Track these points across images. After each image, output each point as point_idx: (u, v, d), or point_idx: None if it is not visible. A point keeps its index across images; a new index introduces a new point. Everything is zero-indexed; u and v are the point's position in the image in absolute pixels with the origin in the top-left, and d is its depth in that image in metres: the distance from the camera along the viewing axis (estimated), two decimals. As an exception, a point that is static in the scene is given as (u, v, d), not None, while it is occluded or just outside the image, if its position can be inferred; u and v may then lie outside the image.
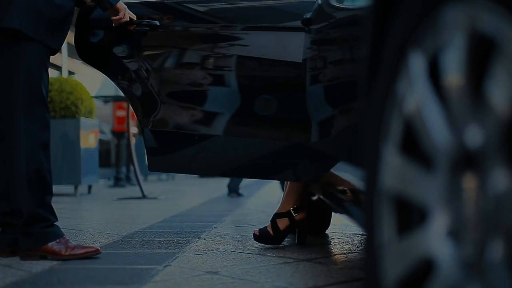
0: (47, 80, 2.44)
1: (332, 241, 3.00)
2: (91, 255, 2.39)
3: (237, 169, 2.79)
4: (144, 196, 6.34)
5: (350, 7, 1.85)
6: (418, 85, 0.79)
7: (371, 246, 0.91)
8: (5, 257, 2.41)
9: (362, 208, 1.32)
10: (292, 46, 2.55)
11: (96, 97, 7.02)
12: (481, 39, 0.68)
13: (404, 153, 0.84)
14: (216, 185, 9.98)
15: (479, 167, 0.69)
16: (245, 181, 10.25)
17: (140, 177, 6.71)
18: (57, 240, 2.39)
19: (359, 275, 2.04)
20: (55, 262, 2.31)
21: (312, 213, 3.00)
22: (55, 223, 2.45)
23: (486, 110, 0.66)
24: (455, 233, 0.74)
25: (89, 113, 6.96)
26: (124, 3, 2.69)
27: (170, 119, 2.75)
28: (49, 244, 2.37)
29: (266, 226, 2.76)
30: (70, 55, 9.99)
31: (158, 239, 2.96)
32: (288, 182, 2.79)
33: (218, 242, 2.87)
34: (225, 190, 7.15)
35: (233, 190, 6.52)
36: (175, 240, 2.94)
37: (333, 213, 3.20)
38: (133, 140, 7.19)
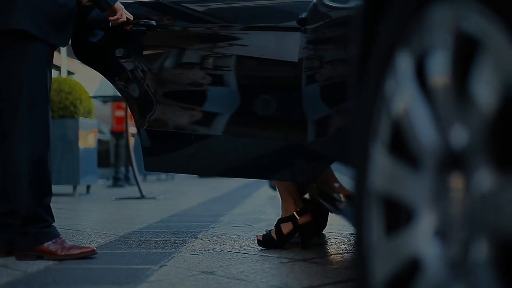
0: (50, 78, 2.45)
1: (328, 241, 3.00)
2: (87, 255, 2.39)
3: (234, 169, 2.78)
4: (142, 196, 6.34)
5: (343, 6, 1.85)
6: (406, 85, 0.79)
7: (360, 246, 0.91)
8: (1, 257, 2.41)
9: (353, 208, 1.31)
10: (288, 46, 2.55)
11: (94, 97, 7.02)
12: (467, 39, 0.68)
13: (393, 153, 0.84)
14: (216, 185, 9.98)
15: (464, 167, 0.69)
16: (245, 181, 10.26)
17: (139, 177, 6.71)
18: (53, 240, 2.39)
19: (354, 275, 2.04)
20: (51, 262, 2.31)
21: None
22: (52, 224, 2.46)
23: (470, 110, 0.66)
24: (441, 233, 0.74)
25: (87, 113, 6.96)
26: (120, 2, 2.69)
27: (166, 119, 2.75)
28: (45, 244, 2.37)
29: (270, 231, 2.74)
30: (69, 55, 9.99)
31: (155, 239, 2.96)
32: (280, 189, 2.77)
33: (214, 242, 2.87)
34: (225, 190, 7.15)
35: None
36: (172, 240, 2.94)
37: (330, 213, 3.20)
38: (132, 140, 7.19)
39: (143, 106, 2.78)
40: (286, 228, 2.70)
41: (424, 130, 0.76)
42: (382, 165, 0.86)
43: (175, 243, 2.83)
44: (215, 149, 2.72)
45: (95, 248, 2.43)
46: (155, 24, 2.76)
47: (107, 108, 10.32)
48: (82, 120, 6.69)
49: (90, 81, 9.25)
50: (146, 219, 4.06)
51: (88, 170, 6.88)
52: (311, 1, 2.45)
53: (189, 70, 2.77)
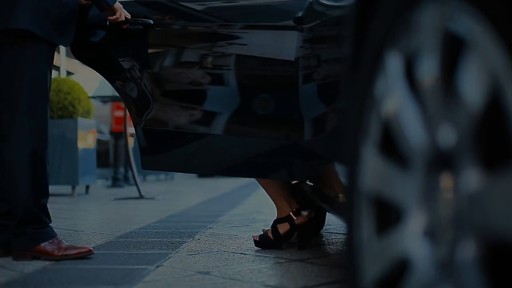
0: (50, 78, 2.45)
1: (326, 241, 3.00)
2: (83, 255, 2.39)
3: (230, 167, 2.78)
4: (141, 196, 6.34)
5: (339, 4, 1.84)
6: (395, 85, 0.79)
7: (351, 246, 0.91)
8: (-2, 257, 2.41)
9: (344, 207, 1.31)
10: (284, 45, 2.54)
11: (93, 97, 7.02)
12: (454, 39, 0.68)
13: (383, 153, 0.84)
14: (215, 185, 9.98)
15: (453, 167, 0.69)
16: (245, 181, 10.25)
17: (138, 177, 6.70)
18: (50, 241, 2.39)
19: (344, 275, 2.03)
20: (47, 263, 2.31)
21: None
22: (49, 224, 2.45)
23: (457, 110, 0.66)
24: (430, 233, 0.74)
25: (86, 113, 6.96)
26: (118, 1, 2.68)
27: (162, 117, 2.75)
28: (42, 244, 2.37)
29: (267, 232, 2.74)
30: (68, 55, 9.99)
31: (152, 239, 2.96)
32: (268, 191, 2.76)
33: (211, 243, 2.86)
34: (224, 190, 7.14)
35: None
36: (169, 240, 2.94)
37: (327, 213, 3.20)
38: (131, 141, 7.19)
39: (140, 105, 2.78)
40: (283, 228, 2.70)
41: (413, 130, 0.76)
42: (372, 165, 0.85)
43: (172, 243, 2.83)
44: (211, 148, 2.72)
45: (91, 249, 2.43)
46: (152, 23, 2.76)
47: (106, 108, 10.31)
48: (81, 120, 6.68)
49: (89, 81, 9.25)
50: (144, 219, 4.06)
51: (87, 170, 6.87)
52: (307, 0, 2.45)
53: (186, 69, 2.77)
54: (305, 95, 2.45)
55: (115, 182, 8.95)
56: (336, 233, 3.29)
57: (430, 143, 0.73)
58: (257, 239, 2.72)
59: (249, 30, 2.66)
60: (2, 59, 2.38)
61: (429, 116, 0.72)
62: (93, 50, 2.87)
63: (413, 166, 0.76)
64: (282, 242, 2.70)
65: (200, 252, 2.57)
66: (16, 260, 2.37)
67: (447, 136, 0.69)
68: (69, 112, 6.63)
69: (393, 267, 0.78)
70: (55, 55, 2.55)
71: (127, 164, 8.66)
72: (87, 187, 7.24)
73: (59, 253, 2.37)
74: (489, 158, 0.63)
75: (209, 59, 2.76)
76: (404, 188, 0.78)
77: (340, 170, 1.98)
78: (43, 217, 2.41)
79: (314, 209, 2.77)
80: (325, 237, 3.14)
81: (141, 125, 2.77)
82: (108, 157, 11.14)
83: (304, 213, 2.69)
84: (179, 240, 2.95)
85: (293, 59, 2.50)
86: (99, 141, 9.52)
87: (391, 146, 0.81)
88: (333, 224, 3.63)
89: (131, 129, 7.13)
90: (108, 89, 7.39)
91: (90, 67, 2.90)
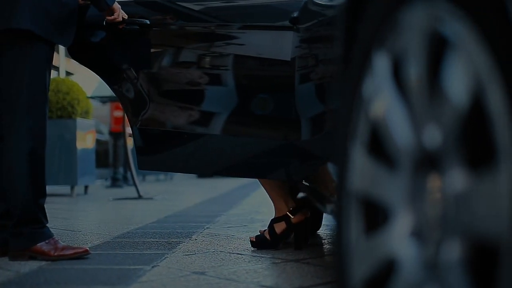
0: (49, 79, 2.45)
1: (323, 241, 3.00)
2: (80, 255, 2.39)
3: (227, 168, 2.78)
4: (140, 197, 6.35)
5: (332, 4, 1.85)
6: (382, 86, 0.79)
7: (340, 246, 0.91)
8: (-5, 258, 2.42)
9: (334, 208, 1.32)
10: (281, 45, 2.55)
11: (92, 97, 7.02)
12: (440, 40, 0.68)
13: (371, 154, 0.84)
14: (214, 185, 9.98)
15: (439, 167, 0.69)
16: (244, 181, 10.25)
17: (137, 178, 6.71)
18: (46, 241, 2.39)
19: (334, 276, 2.04)
20: (43, 263, 2.31)
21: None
22: (46, 224, 2.46)
23: (443, 110, 0.66)
24: (417, 234, 0.74)
25: (85, 114, 6.97)
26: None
27: (158, 117, 2.75)
28: (38, 244, 2.37)
29: (264, 232, 2.74)
30: (67, 55, 10.00)
31: (149, 240, 2.96)
32: (267, 189, 2.76)
33: (208, 243, 2.87)
34: (223, 190, 7.14)
35: None
36: (166, 240, 2.94)
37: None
38: (130, 141, 7.19)
39: (136, 105, 2.79)
40: (279, 227, 2.69)
41: (400, 130, 0.76)
42: (361, 165, 0.86)
43: (169, 243, 2.83)
44: (208, 148, 2.72)
45: (88, 249, 2.43)
46: (148, 23, 2.76)
47: (106, 109, 10.32)
48: (79, 120, 6.69)
49: (89, 82, 9.25)
50: (142, 219, 4.06)
51: (86, 170, 6.88)
52: (303, 0, 2.45)
53: (182, 69, 2.77)
54: (301, 95, 2.46)
55: (114, 182, 8.96)
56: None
57: (416, 143, 0.73)
58: (254, 240, 2.72)
59: (245, 30, 2.66)
60: (2, 59, 2.38)
61: (416, 117, 0.73)
62: (90, 50, 2.87)
63: (400, 166, 0.76)
64: (278, 242, 2.70)
65: (197, 252, 2.57)
66: (13, 260, 2.37)
67: (433, 137, 0.69)
68: (68, 112, 6.64)
69: (381, 267, 0.78)
70: (54, 55, 2.55)
71: (126, 164, 8.66)
72: (86, 187, 7.25)
73: (55, 253, 2.37)
74: (472, 159, 0.63)
75: (205, 59, 2.77)
76: (392, 189, 0.78)
77: (332, 170, 1.98)
78: (41, 217, 2.41)
79: (311, 209, 2.78)
80: (322, 237, 3.14)
81: (137, 125, 2.77)
82: (107, 157, 11.15)
83: (301, 212, 2.69)
84: (176, 240, 2.95)
85: (289, 59, 2.51)
86: (98, 141, 9.53)
87: (379, 147, 0.81)
88: (330, 224, 3.63)
89: (130, 129, 7.15)
90: (107, 89, 7.38)
91: (87, 67, 2.90)
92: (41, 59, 2.38)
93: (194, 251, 2.61)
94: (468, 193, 0.63)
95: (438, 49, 0.68)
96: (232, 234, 3.21)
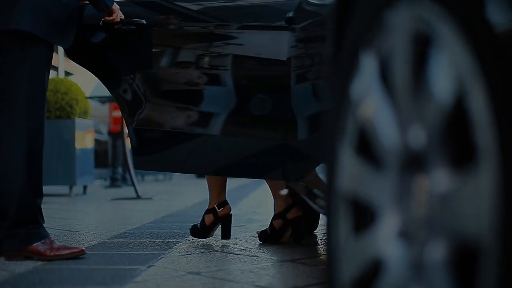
0: (48, 79, 2.45)
1: (319, 241, 3.00)
2: (76, 255, 2.39)
3: (223, 168, 2.79)
4: (138, 197, 6.34)
5: (326, 3, 1.85)
6: (370, 86, 0.79)
7: (329, 247, 0.91)
8: (-10, 258, 2.41)
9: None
10: (276, 45, 2.55)
11: (91, 97, 7.03)
12: (424, 40, 0.68)
13: (359, 154, 0.84)
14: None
15: (424, 168, 0.69)
16: (243, 181, 10.24)
17: (136, 178, 6.71)
18: (42, 241, 2.39)
19: (323, 276, 2.04)
20: (39, 263, 2.31)
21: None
22: (42, 225, 2.45)
23: (427, 110, 0.66)
24: (404, 234, 0.74)
25: (84, 114, 6.97)
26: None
27: (154, 117, 2.76)
28: (34, 244, 2.37)
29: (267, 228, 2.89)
30: (66, 55, 9.99)
31: (146, 240, 2.96)
32: (271, 187, 2.84)
33: (204, 243, 2.87)
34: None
35: None
36: (163, 240, 2.94)
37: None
38: (128, 141, 7.19)
39: (132, 105, 2.79)
40: (278, 223, 2.82)
41: (387, 131, 0.76)
42: (349, 166, 0.85)
43: (166, 243, 2.83)
44: (203, 148, 2.72)
45: (84, 249, 2.43)
46: (144, 23, 2.76)
47: (105, 109, 10.32)
48: (78, 120, 6.69)
49: (88, 82, 9.25)
50: (139, 219, 4.06)
51: (84, 170, 6.88)
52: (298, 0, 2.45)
53: (178, 69, 2.77)
54: (297, 95, 2.46)
55: (113, 182, 8.96)
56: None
57: (403, 144, 0.73)
58: (259, 233, 2.91)
59: (240, 30, 2.66)
60: (1, 59, 2.38)
61: (402, 117, 0.73)
62: (86, 50, 2.87)
63: (387, 167, 0.76)
64: (279, 236, 2.82)
65: (193, 252, 2.57)
66: (9, 260, 2.36)
67: (419, 137, 0.69)
68: (66, 112, 6.64)
69: (368, 268, 0.78)
70: (53, 55, 2.55)
71: (125, 165, 8.67)
72: (85, 187, 7.25)
73: (51, 253, 2.36)
74: (455, 160, 0.63)
75: (201, 59, 2.77)
76: (379, 189, 0.78)
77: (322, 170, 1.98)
78: (38, 218, 2.41)
79: (305, 207, 2.82)
80: (319, 237, 3.14)
81: (133, 125, 2.77)
82: (107, 157, 11.15)
83: (296, 208, 2.81)
84: (172, 240, 2.95)
85: (285, 59, 2.50)
86: (97, 142, 9.54)
87: (367, 147, 0.81)
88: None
89: (128, 130, 7.14)
90: (106, 90, 7.39)
91: (83, 66, 2.90)
92: (41, 60, 2.38)
93: (190, 251, 2.60)
94: (450, 193, 0.63)
95: (422, 50, 0.68)
96: (229, 234, 3.20)
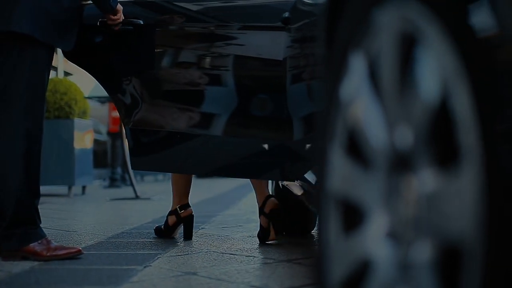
0: (47, 80, 2.45)
1: (316, 242, 3.00)
2: (73, 255, 2.39)
3: (220, 168, 2.79)
4: (137, 197, 6.35)
5: (320, 3, 1.85)
6: (359, 86, 0.80)
7: (320, 247, 0.91)
8: (-13, 258, 2.41)
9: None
10: (273, 45, 2.55)
11: (89, 97, 7.03)
12: (411, 41, 0.68)
13: (348, 154, 0.84)
14: (212, 185, 9.98)
15: (411, 168, 0.69)
16: (242, 181, 10.23)
17: (136, 178, 6.71)
18: (39, 241, 2.39)
19: (313, 276, 2.04)
20: (35, 263, 2.31)
21: (295, 213, 3.04)
22: (39, 225, 2.46)
23: (413, 110, 0.67)
24: (392, 235, 0.74)
25: (83, 114, 6.97)
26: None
27: (150, 118, 2.76)
28: (31, 245, 2.37)
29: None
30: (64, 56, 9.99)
31: (143, 240, 2.97)
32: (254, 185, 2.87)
33: (202, 243, 2.87)
34: (221, 190, 7.14)
35: None
36: (160, 240, 2.94)
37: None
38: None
39: (128, 105, 2.79)
40: (263, 220, 2.83)
41: (375, 131, 0.76)
42: (339, 166, 0.86)
43: (163, 243, 2.83)
44: (200, 148, 2.72)
45: (81, 249, 2.43)
46: (142, 23, 2.76)
47: (104, 109, 10.32)
48: (77, 120, 6.69)
49: (88, 82, 9.25)
50: (137, 219, 4.06)
51: (83, 170, 6.88)
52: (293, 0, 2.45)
53: (175, 69, 2.77)
54: (293, 95, 2.46)
55: (113, 182, 8.96)
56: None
57: (391, 144, 0.73)
58: (258, 234, 2.90)
59: (237, 30, 2.66)
60: (2, 60, 2.38)
61: (390, 118, 0.73)
62: (84, 50, 2.87)
63: (376, 167, 0.76)
64: (268, 232, 2.81)
65: (190, 252, 2.57)
66: (5, 260, 2.37)
67: (406, 137, 0.69)
68: (65, 112, 6.64)
69: (357, 268, 0.78)
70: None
71: (124, 165, 8.67)
72: (84, 187, 7.24)
73: (48, 254, 2.37)
74: (440, 160, 0.63)
75: (197, 59, 2.77)
76: (368, 190, 0.78)
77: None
78: (35, 218, 2.41)
79: (301, 207, 2.83)
80: (316, 238, 3.14)
81: (130, 126, 2.78)
82: (106, 157, 11.15)
83: (272, 199, 2.82)
84: (170, 240, 2.95)
85: (281, 59, 2.50)
86: (97, 142, 9.54)
87: (356, 148, 0.81)
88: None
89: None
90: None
91: (81, 67, 2.90)
92: (41, 61, 2.37)
93: (187, 251, 2.61)
94: (435, 193, 0.63)
95: (408, 50, 0.68)
96: (227, 235, 3.21)
